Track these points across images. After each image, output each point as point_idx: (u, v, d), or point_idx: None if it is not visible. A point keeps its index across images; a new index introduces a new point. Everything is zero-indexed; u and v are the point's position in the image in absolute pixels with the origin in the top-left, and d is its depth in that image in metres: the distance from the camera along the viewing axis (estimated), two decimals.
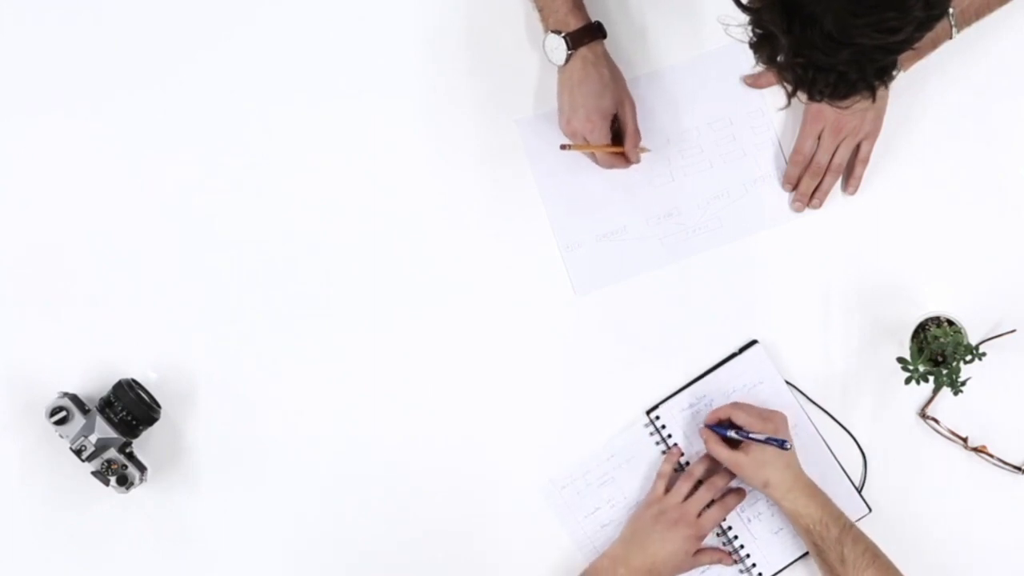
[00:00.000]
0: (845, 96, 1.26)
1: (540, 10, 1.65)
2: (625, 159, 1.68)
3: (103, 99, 1.73)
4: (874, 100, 1.28)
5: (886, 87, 1.28)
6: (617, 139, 1.68)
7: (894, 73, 1.27)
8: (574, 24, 1.62)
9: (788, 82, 1.27)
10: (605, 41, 1.65)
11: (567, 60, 1.63)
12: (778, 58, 1.25)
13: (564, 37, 1.62)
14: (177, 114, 1.73)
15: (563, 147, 1.65)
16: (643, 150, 1.69)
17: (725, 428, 1.66)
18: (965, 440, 1.69)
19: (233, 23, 1.73)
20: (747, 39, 1.27)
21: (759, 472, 1.63)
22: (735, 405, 1.67)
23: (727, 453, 1.64)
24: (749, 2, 1.24)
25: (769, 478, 1.63)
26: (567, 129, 1.66)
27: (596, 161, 1.69)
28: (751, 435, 1.62)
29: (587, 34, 1.63)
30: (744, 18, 1.26)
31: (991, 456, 1.69)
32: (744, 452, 1.63)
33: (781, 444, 1.60)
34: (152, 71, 1.73)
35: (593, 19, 1.64)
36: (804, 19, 1.19)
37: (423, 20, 1.73)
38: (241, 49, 1.73)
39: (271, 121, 1.73)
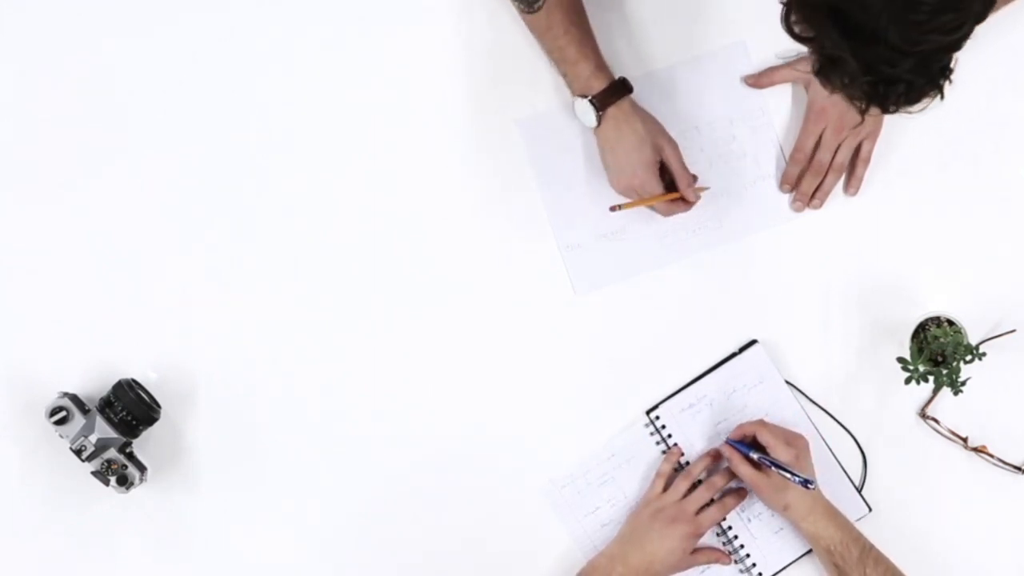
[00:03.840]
0: (916, 101, 1.25)
1: (564, 76, 1.66)
2: (684, 202, 1.68)
3: (103, 100, 1.73)
4: (943, 98, 1.26)
5: (951, 82, 1.27)
6: (670, 185, 1.67)
7: (952, 66, 1.26)
8: (598, 86, 1.63)
9: (859, 99, 1.26)
10: (632, 95, 1.65)
11: (599, 122, 1.64)
12: (845, 80, 1.24)
13: (591, 100, 1.63)
14: (177, 113, 1.73)
15: (613, 208, 1.65)
16: (701, 188, 1.69)
17: (747, 445, 1.66)
18: (965, 440, 1.69)
19: (234, 22, 1.73)
20: (813, 69, 1.26)
21: (779, 495, 1.64)
22: (761, 424, 1.67)
23: (750, 472, 1.65)
24: (801, 31, 1.23)
25: (789, 501, 1.63)
26: (619, 188, 1.67)
27: (658, 211, 1.69)
28: (778, 465, 1.62)
29: (612, 93, 1.63)
30: (804, 49, 1.25)
31: (991, 456, 1.69)
32: (766, 474, 1.64)
33: (806, 484, 1.60)
34: (151, 68, 1.73)
35: (614, 66, 1.65)
36: (867, 37, 1.18)
37: (423, 21, 1.73)
38: (242, 47, 1.73)
39: (271, 122, 1.73)
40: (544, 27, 1.62)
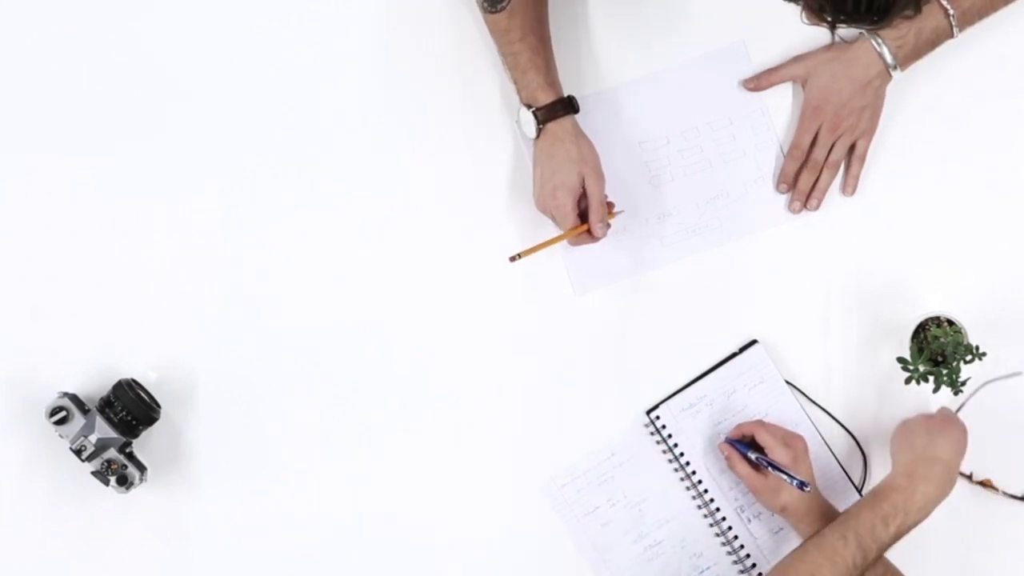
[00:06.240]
0: (886, 11, 1.23)
1: (515, 82, 1.64)
2: (590, 234, 1.65)
3: (103, 100, 1.73)
4: (918, 11, 1.24)
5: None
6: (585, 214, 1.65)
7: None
8: (543, 99, 1.62)
9: (827, 11, 1.24)
10: (576, 116, 1.64)
11: (538, 135, 1.63)
12: None
13: (534, 112, 1.62)
14: (176, 117, 1.72)
15: (512, 258, 1.62)
16: (613, 214, 1.67)
17: (745, 445, 1.67)
18: (969, 476, 1.69)
19: (230, 31, 1.73)
20: None
21: (776, 496, 1.64)
22: (760, 424, 1.67)
23: (747, 472, 1.65)
24: None
25: (786, 503, 1.63)
26: (539, 205, 1.66)
27: (567, 241, 1.67)
28: (775, 466, 1.62)
29: (557, 110, 1.62)
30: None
31: (996, 489, 1.69)
32: (763, 475, 1.64)
33: (802, 486, 1.60)
34: (150, 79, 1.73)
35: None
36: None
37: (423, 22, 1.73)
38: (239, 55, 1.73)
39: (271, 122, 1.73)
40: (503, 29, 1.61)
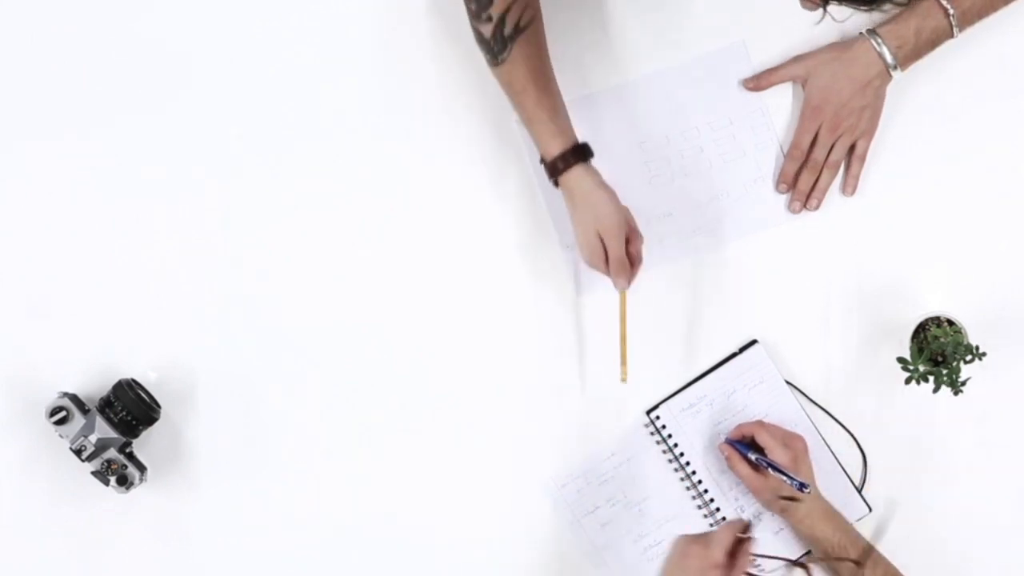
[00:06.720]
0: None
1: (530, 135, 1.62)
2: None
3: (105, 102, 1.73)
4: None
5: None
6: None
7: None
8: (553, 151, 1.58)
9: None
10: (590, 161, 1.60)
11: (558, 186, 1.61)
12: None
13: (546, 165, 1.61)
14: (176, 116, 1.73)
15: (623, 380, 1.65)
16: (636, 268, 1.64)
17: (745, 445, 1.67)
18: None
19: (230, 31, 1.73)
20: None
21: (776, 497, 1.64)
22: (760, 424, 1.67)
23: (747, 473, 1.65)
24: None
25: (786, 504, 1.63)
26: (583, 258, 1.64)
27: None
28: (775, 467, 1.62)
29: (568, 160, 1.58)
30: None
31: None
32: (763, 475, 1.64)
33: (801, 487, 1.60)
34: (150, 79, 1.73)
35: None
36: None
37: (423, 22, 1.73)
38: (240, 55, 1.73)
39: (271, 122, 1.73)
40: (506, 81, 1.60)
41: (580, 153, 1.60)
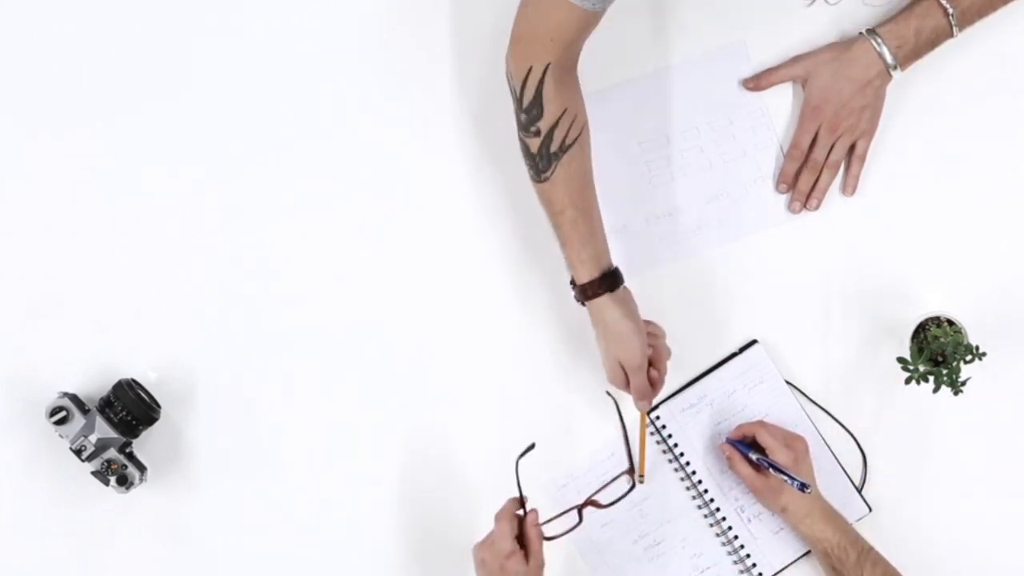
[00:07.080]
0: None
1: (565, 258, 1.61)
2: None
3: (105, 102, 1.73)
4: None
5: None
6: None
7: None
8: (581, 278, 1.59)
9: None
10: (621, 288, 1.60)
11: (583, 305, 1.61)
12: None
13: (574, 289, 1.61)
14: (176, 116, 1.73)
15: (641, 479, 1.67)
16: (656, 388, 1.64)
17: (746, 445, 1.67)
18: None
19: (230, 31, 1.73)
20: None
21: (777, 497, 1.64)
22: (761, 424, 1.67)
23: (748, 473, 1.65)
24: None
25: (787, 503, 1.64)
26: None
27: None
28: (776, 467, 1.62)
29: (596, 288, 1.58)
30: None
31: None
32: (764, 475, 1.64)
33: (802, 487, 1.60)
34: (151, 76, 1.73)
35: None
36: None
37: (424, 22, 1.73)
38: (239, 55, 1.73)
39: (271, 122, 1.73)
40: (546, 199, 1.58)
41: (610, 280, 1.59)
